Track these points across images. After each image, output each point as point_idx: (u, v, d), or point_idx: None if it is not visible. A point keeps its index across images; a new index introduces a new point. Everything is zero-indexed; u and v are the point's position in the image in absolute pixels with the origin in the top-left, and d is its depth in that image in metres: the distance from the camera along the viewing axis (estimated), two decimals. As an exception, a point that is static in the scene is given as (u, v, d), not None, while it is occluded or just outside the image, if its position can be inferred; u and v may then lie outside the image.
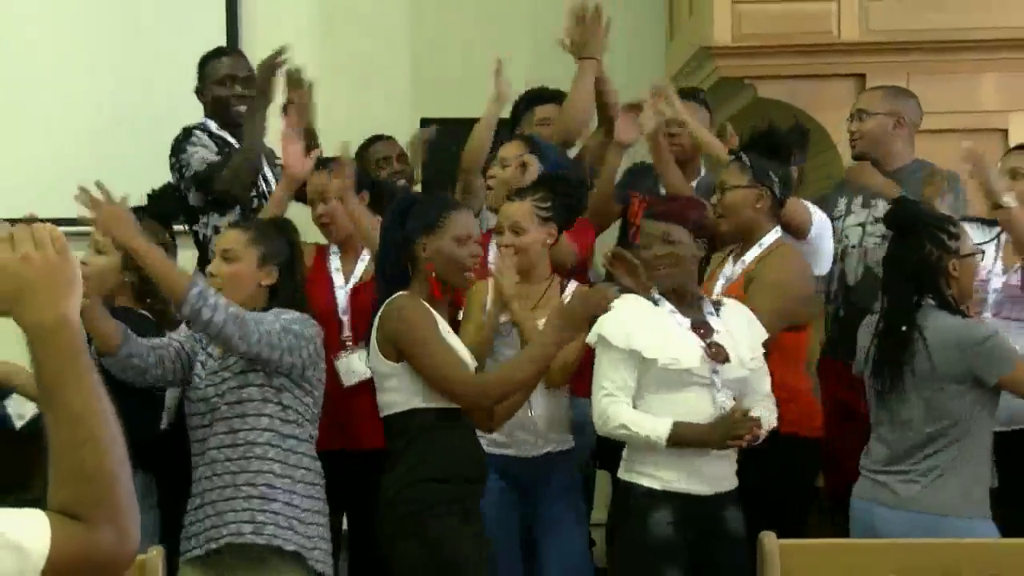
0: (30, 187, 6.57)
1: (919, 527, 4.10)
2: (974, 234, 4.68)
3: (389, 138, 5.98)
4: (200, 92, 5.47)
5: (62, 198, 5.42)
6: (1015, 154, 5.11)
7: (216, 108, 5.41)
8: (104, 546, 1.80)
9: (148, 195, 5.12)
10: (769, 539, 3.62)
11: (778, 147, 4.89)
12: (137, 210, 4.90)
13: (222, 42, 6.71)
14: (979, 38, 6.02)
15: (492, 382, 4.01)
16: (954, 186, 5.06)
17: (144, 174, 5.37)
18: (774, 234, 4.67)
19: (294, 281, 4.17)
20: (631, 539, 4.17)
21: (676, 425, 4.04)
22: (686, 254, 4.23)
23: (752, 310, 4.37)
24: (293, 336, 3.92)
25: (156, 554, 3.51)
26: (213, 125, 5.38)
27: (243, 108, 5.33)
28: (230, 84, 5.40)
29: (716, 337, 4.18)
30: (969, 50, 6.04)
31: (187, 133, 5.33)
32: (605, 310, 3.95)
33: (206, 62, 5.48)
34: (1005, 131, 5.87)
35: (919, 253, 4.25)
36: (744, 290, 4.54)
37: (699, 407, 4.12)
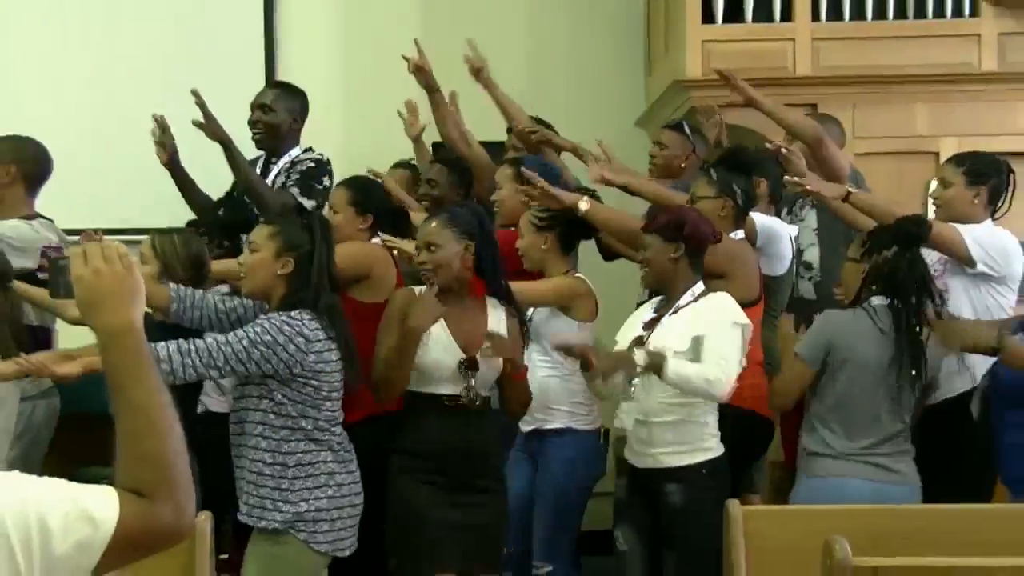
0: (84, 198, 6.61)
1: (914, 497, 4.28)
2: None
3: (412, 164, 6.00)
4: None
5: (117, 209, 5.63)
6: (943, 165, 5.13)
7: None
8: (164, 520, 1.83)
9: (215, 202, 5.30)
10: (734, 506, 3.88)
11: (742, 164, 5.04)
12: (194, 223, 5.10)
13: (260, 80, 6.81)
14: (913, 74, 6.20)
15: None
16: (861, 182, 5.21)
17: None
18: (736, 235, 4.76)
19: (309, 271, 4.04)
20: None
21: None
22: (653, 256, 4.30)
23: None
24: (264, 346, 3.87)
25: (204, 519, 3.66)
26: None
27: (256, 134, 5.39)
28: (252, 111, 5.43)
29: (656, 329, 4.25)
30: (905, 84, 6.21)
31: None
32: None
33: None
34: (936, 153, 6.02)
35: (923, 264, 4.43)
36: None
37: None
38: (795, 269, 5.23)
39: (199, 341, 3.92)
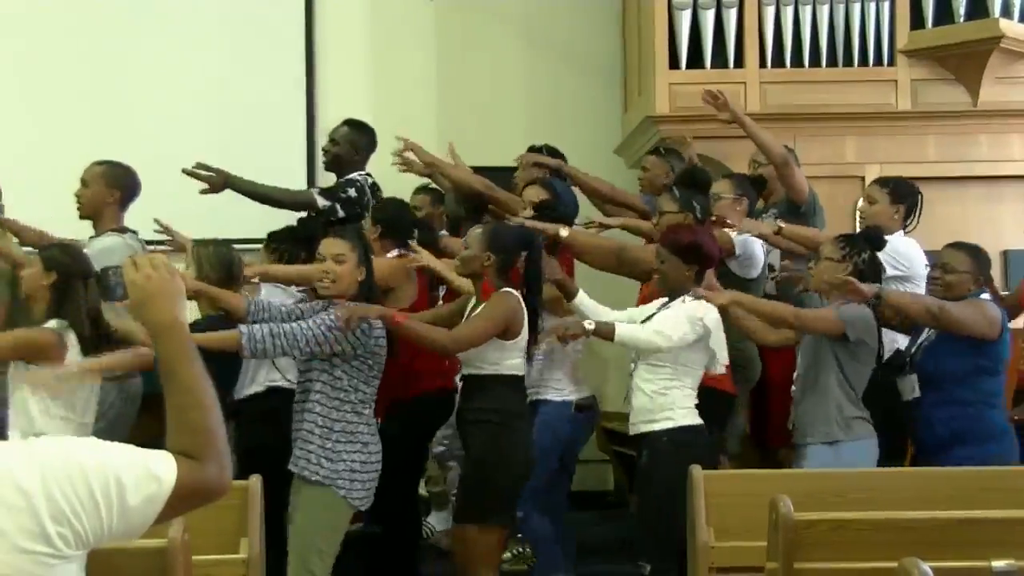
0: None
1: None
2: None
3: (433, 188, 5.91)
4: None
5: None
6: (871, 186, 5.09)
7: None
8: (212, 478, 1.86)
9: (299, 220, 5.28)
10: (696, 470, 3.84)
11: (699, 182, 5.03)
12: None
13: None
14: (843, 112, 6.22)
15: None
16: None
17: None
18: None
19: (372, 276, 4.16)
20: None
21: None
22: (670, 270, 4.27)
23: None
24: (338, 331, 3.93)
25: (255, 480, 3.68)
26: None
27: (324, 160, 5.57)
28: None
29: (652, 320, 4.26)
30: (836, 120, 6.22)
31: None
32: None
33: None
34: (862, 178, 6.00)
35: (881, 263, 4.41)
36: None
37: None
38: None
39: (285, 326, 3.97)
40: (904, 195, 4.89)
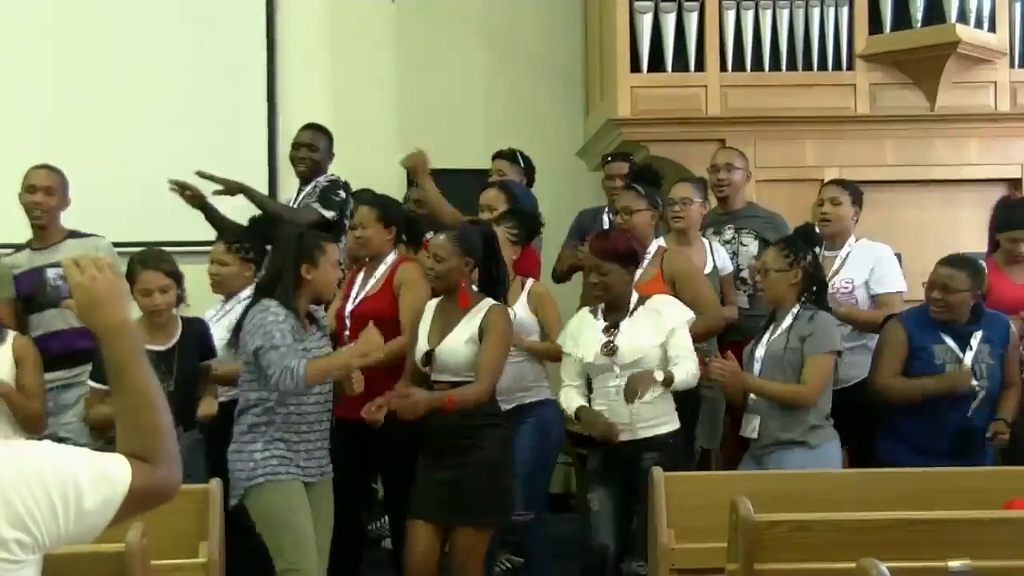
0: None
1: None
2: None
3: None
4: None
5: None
6: (830, 186, 5.11)
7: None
8: (164, 479, 1.84)
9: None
10: (657, 472, 3.86)
11: (654, 179, 5.08)
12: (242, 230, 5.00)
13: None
14: (803, 115, 6.23)
15: None
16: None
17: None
18: (659, 242, 4.86)
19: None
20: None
21: (578, 409, 4.23)
22: (614, 280, 4.25)
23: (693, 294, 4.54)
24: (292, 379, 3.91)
25: (214, 484, 3.70)
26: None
27: (301, 168, 5.46)
28: (296, 149, 5.49)
29: (618, 334, 4.21)
30: (796, 123, 6.23)
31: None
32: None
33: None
34: (822, 180, 5.81)
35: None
36: (671, 284, 4.62)
37: (611, 385, 4.20)
38: (733, 283, 5.21)
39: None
40: (859, 197, 5.01)
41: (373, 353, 4.03)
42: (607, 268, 4.25)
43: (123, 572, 2.82)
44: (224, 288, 4.71)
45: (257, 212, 5.23)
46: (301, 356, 3.90)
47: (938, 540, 3.07)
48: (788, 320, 4.32)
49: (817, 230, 4.74)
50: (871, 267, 4.92)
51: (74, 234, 5.07)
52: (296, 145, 5.51)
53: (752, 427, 4.30)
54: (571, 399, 4.29)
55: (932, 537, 3.08)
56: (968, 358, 4.40)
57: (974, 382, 4.37)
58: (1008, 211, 5.02)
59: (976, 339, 4.42)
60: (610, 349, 4.22)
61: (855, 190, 5.04)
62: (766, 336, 4.38)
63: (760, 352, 4.35)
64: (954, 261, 4.48)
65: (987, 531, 3.13)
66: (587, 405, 4.25)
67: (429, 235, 5.05)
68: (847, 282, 4.87)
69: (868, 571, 2.54)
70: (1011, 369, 4.47)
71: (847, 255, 4.94)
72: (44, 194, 4.98)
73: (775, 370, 4.29)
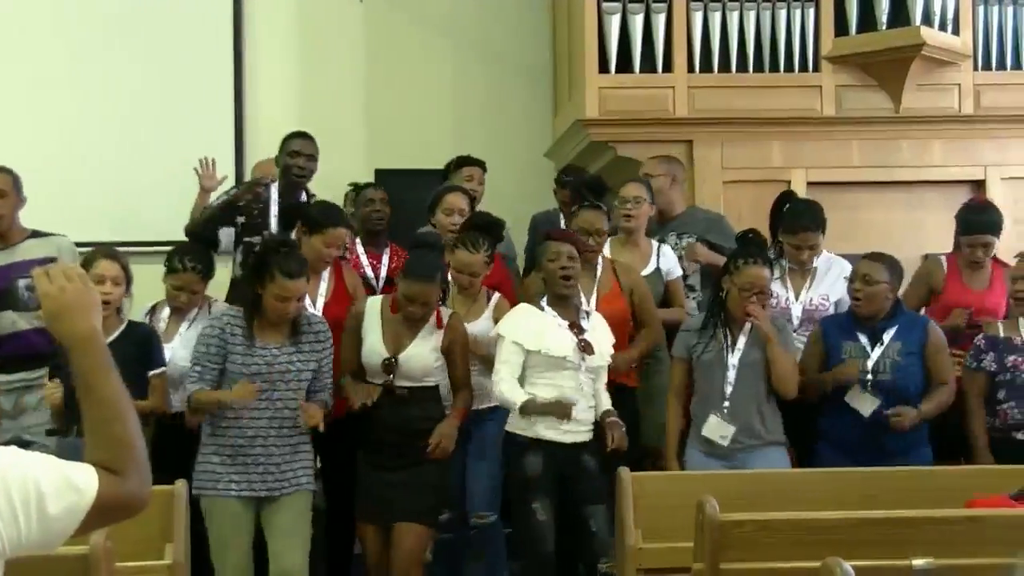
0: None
1: None
2: None
3: (376, 185, 5.73)
4: (277, 161, 5.31)
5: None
6: (809, 234, 4.79)
7: (284, 173, 5.25)
8: (133, 491, 1.82)
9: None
10: (624, 472, 3.88)
11: (603, 190, 5.09)
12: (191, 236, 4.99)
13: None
14: (769, 117, 6.23)
15: None
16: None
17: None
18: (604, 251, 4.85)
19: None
20: (514, 473, 4.24)
21: (526, 402, 4.15)
22: (579, 273, 4.32)
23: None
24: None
25: (180, 486, 3.69)
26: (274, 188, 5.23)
27: (301, 177, 5.25)
28: (295, 157, 5.23)
29: (586, 335, 4.26)
30: (763, 125, 6.23)
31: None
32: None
33: (287, 139, 5.32)
34: (788, 182, 6.04)
35: None
36: (629, 295, 4.68)
37: (568, 384, 4.20)
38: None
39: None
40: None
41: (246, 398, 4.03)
42: (575, 253, 4.32)
43: (87, 574, 2.81)
44: (191, 305, 4.63)
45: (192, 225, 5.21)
46: (204, 379, 4.03)
47: (902, 539, 3.09)
48: (747, 326, 4.39)
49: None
50: (840, 284, 4.87)
51: (36, 233, 5.01)
52: (295, 154, 5.25)
53: (723, 435, 4.32)
54: (515, 392, 4.20)
55: (896, 536, 3.11)
56: (876, 353, 4.44)
57: (868, 378, 4.40)
58: (970, 214, 5.06)
59: (888, 335, 4.47)
60: (588, 348, 4.24)
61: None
62: (742, 342, 4.40)
63: (734, 359, 4.38)
64: (874, 256, 4.56)
65: (951, 529, 3.15)
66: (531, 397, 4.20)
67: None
68: (824, 298, 4.85)
69: (833, 570, 2.56)
70: (938, 368, 4.50)
71: (815, 270, 4.89)
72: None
73: (752, 377, 4.36)
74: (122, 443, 1.82)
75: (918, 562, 2.99)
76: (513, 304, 4.57)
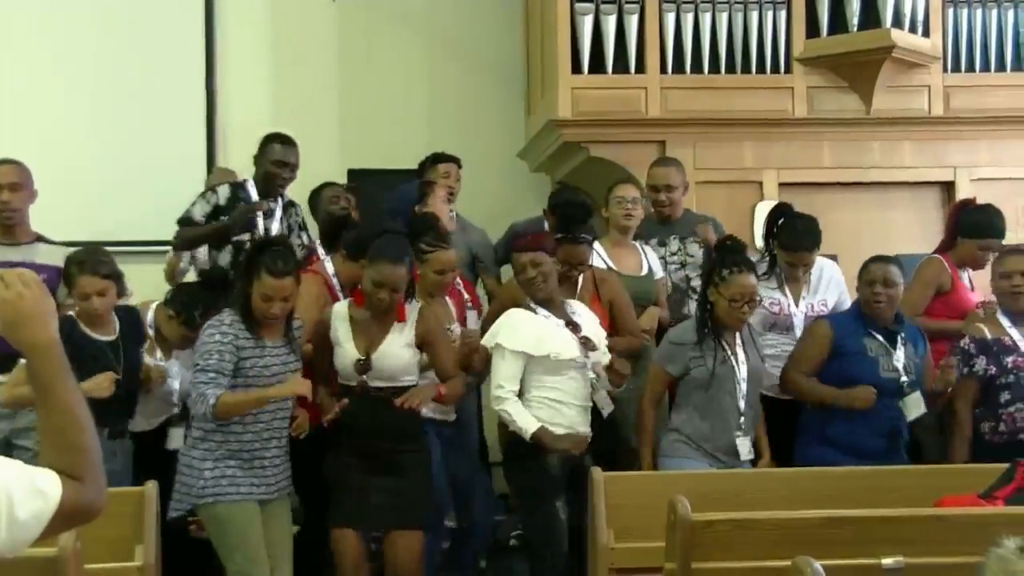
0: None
1: None
2: None
3: (337, 184, 5.79)
4: (257, 161, 5.14)
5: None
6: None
7: (264, 179, 5.10)
8: (91, 497, 1.82)
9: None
10: (596, 472, 3.88)
11: (586, 215, 4.82)
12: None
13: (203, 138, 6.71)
14: (741, 118, 6.24)
15: None
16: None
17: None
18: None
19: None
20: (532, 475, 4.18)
21: (539, 429, 4.08)
22: (550, 271, 4.26)
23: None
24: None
25: (151, 486, 3.66)
26: (252, 186, 5.12)
27: (282, 186, 5.14)
28: (280, 167, 5.09)
29: (584, 332, 4.22)
30: (735, 126, 6.24)
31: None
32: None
33: (269, 142, 5.16)
34: (760, 183, 6.11)
35: None
36: (608, 306, 4.64)
37: (576, 386, 4.18)
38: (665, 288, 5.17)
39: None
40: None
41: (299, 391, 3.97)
42: (541, 259, 4.26)
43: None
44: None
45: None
46: (221, 385, 3.87)
47: (872, 538, 3.11)
48: (739, 337, 4.34)
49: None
50: (834, 287, 4.91)
51: (42, 238, 4.89)
52: (280, 164, 5.10)
53: (749, 449, 4.29)
54: (524, 416, 4.12)
55: (866, 535, 3.12)
56: (900, 352, 4.45)
57: (904, 378, 4.42)
58: (981, 216, 5.05)
59: (900, 338, 4.49)
60: (590, 344, 4.22)
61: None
62: (740, 352, 4.33)
63: (743, 374, 4.28)
64: (885, 259, 4.55)
65: (920, 528, 3.17)
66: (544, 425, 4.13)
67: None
68: (823, 303, 4.85)
69: (803, 569, 2.57)
70: (929, 377, 4.55)
71: (808, 275, 4.88)
72: (9, 191, 4.75)
73: (754, 388, 4.34)
74: (80, 449, 1.83)
75: (887, 561, 3.01)
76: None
